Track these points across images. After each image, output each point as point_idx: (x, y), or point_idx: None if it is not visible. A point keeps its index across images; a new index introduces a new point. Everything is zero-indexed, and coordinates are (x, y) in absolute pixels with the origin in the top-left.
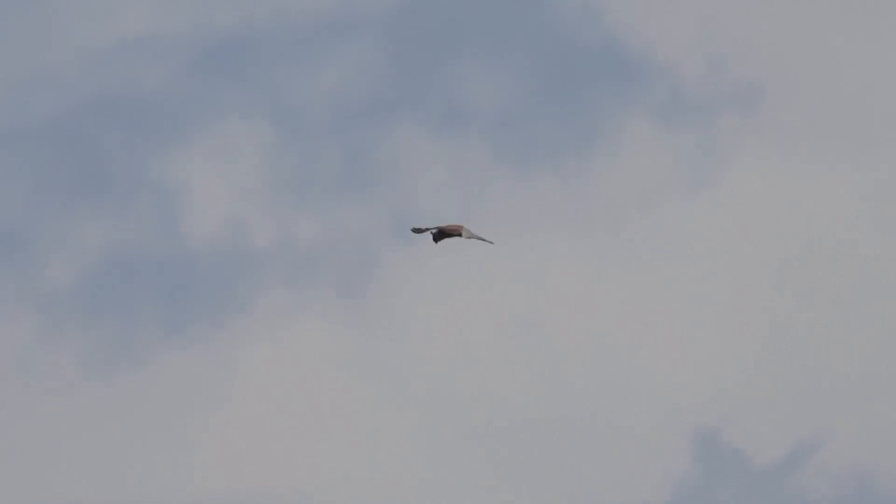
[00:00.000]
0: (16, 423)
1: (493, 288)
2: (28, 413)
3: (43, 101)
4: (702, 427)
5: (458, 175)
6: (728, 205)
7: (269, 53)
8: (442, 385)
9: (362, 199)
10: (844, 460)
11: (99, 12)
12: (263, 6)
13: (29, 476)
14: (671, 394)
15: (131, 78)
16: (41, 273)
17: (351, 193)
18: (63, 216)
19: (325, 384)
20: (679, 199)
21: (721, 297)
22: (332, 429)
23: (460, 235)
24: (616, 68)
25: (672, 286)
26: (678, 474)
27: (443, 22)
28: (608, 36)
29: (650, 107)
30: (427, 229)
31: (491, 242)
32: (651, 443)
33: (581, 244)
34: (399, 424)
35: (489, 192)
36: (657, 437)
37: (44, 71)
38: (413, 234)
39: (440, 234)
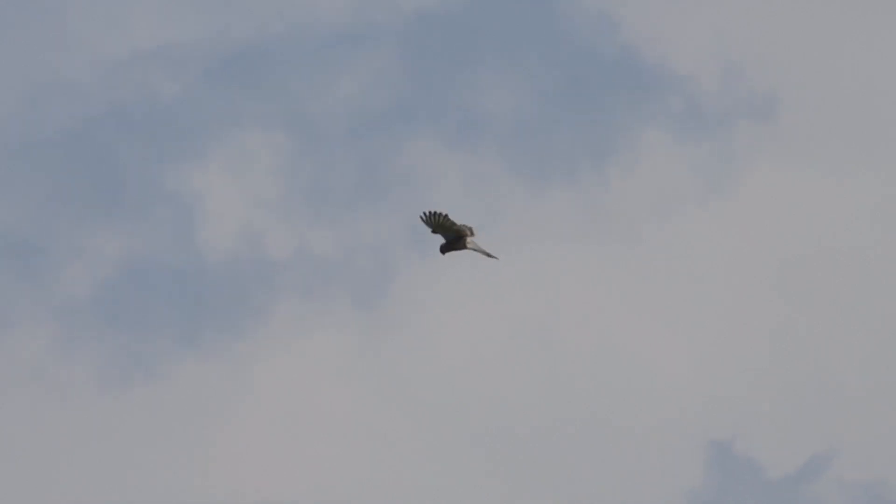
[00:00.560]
0: (31, 433)
1: (509, 299)
2: (43, 423)
3: (59, 111)
4: (715, 437)
5: (474, 186)
6: (744, 215)
7: (286, 64)
8: (457, 396)
9: (378, 210)
10: (858, 472)
11: (115, 23)
12: (280, 16)
13: (44, 486)
14: (685, 404)
15: (147, 88)
16: (57, 284)
17: (367, 204)
18: (79, 227)
19: (340, 395)
20: (695, 209)
21: (737, 307)
22: (347, 439)
23: (465, 247)
24: (632, 79)
25: (687, 296)
26: (690, 485)
27: (459, 32)
28: (624, 46)
29: (666, 117)
30: (437, 214)
31: (495, 258)
32: (664, 453)
33: (596, 254)
34: (415, 435)
35: (504, 202)
36: (670, 447)
37: (60, 81)
38: (427, 229)
39: (447, 246)
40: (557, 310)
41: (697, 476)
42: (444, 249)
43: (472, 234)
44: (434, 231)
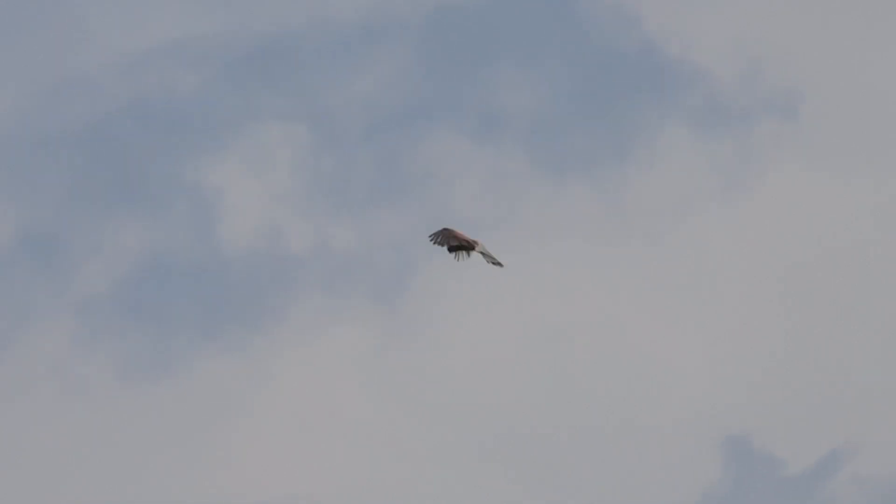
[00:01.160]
0: (50, 429)
1: (528, 296)
2: (62, 418)
3: (78, 105)
4: (733, 433)
5: (493, 182)
6: (764, 213)
7: (306, 58)
8: (475, 395)
9: (398, 206)
10: (877, 467)
11: (134, 17)
12: (300, 11)
13: (64, 481)
14: (703, 399)
15: (167, 82)
16: (76, 278)
17: (387, 200)
18: (98, 221)
19: (359, 390)
20: (715, 207)
21: (756, 304)
22: (365, 435)
23: (473, 249)
24: (652, 75)
25: (705, 293)
26: (708, 480)
27: (478, 28)
28: (644, 42)
29: (687, 114)
30: (443, 233)
31: (501, 265)
32: (682, 449)
33: (614, 251)
34: (434, 432)
35: (523, 198)
36: (688, 443)
37: (78, 76)
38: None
39: (455, 246)
40: (575, 307)
41: (715, 472)
42: (452, 249)
43: (478, 246)
44: (451, 251)
